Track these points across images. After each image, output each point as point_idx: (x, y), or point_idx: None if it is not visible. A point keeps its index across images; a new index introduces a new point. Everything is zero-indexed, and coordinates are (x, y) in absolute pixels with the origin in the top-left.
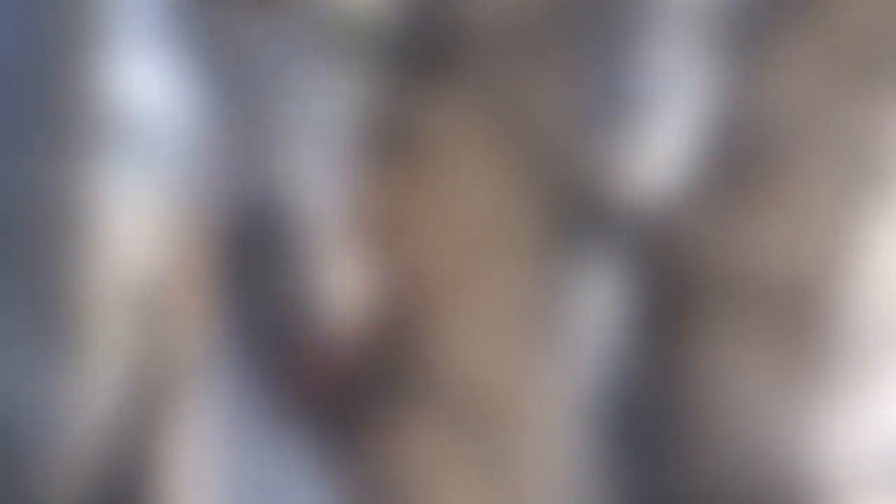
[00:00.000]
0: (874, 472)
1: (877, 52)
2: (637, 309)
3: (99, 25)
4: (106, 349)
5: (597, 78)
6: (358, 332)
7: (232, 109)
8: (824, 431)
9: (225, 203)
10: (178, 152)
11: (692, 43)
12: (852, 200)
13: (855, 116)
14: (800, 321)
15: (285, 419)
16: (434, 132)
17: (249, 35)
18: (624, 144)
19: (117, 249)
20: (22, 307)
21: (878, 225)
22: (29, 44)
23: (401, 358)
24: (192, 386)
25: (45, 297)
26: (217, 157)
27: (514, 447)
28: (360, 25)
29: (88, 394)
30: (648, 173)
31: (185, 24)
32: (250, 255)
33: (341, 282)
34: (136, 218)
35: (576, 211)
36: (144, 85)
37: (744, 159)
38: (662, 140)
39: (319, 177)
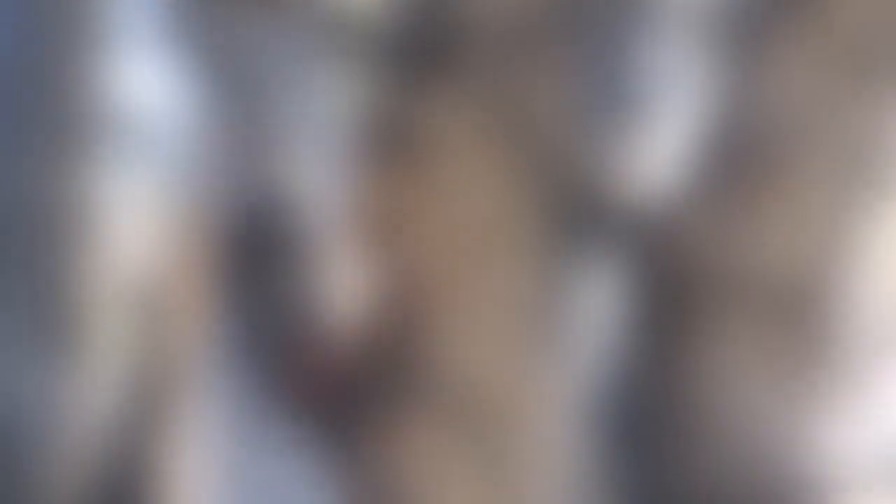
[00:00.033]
0: (874, 472)
1: (875, 51)
2: (637, 308)
3: (99, 25)
4: (106, 349)
5: (597, 78)
6: (358, 331)
7: (232, 109)
8: (824, 431)
9: (225, 203)
10: (178, 152)
11: (692, 43)
12: (852, 200)
13: (854, 116)
14: (799, 321)
15: (285, 419)
16: (434, 132)
17: (249, 35)
18: (624, 144)
19: (117, 249)
20: (22, 307)
21: (877, 224)
22: (29, 44)
23: (401, 358)
24: (192, 386)
25: (44, 297)
26: (217, 157)
27: (514, 447)
28: (360, 25)
29: (88, 394)
30: (648, 173)
31: (185, 24)
32: (250, 254)
33: (341, 281)
34: (136, 218)
35: (576, 210)
36: (144, 85)
37: (743, 159)
38: (662, 139)
39: (319, 176)
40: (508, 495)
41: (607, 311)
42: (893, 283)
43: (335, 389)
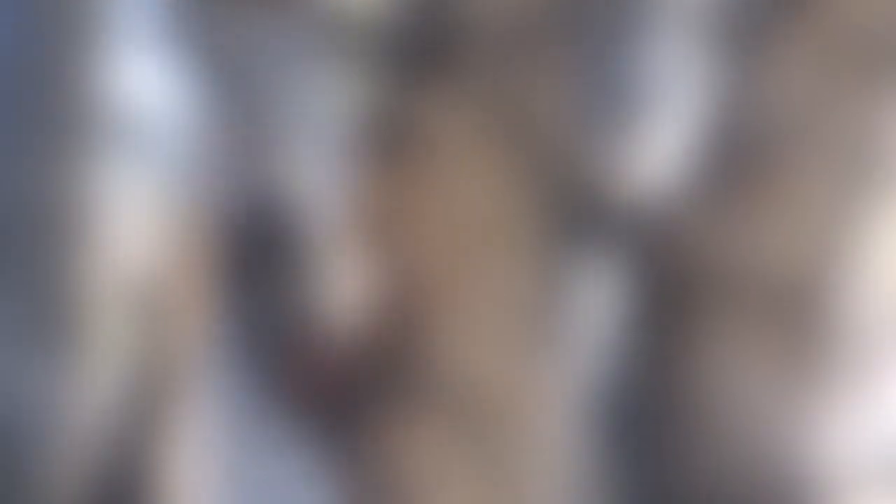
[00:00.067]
0: (874, 472)
1: (874, 49)
2: (637, 308)
3: (99, 25)
4: (106, 349)
5: (597, 78)
6: (358, 331)
7: (232, 109)
8: (824, 431)
9: (225, 203)
10: (178, 152)
11: (691, 42)
12: (851, 198)
13: (853, 114)
14: (799, 319)
15: (285, 419)
16: (434, 132)
17: (249, 35)
18: (623, 144)
19: (117, 249)
20: (22, 307)
21: (876, 222)
22: (29, 44)
23: (401, 357)
24: (192, 386)
25: (44, 296)
26: (217, 157)
27: (514, 447)
28: (360, 25)
29: (88, 394)
30: (648, 172)
31: (186, 24)
32: (250, 254)
33: (341, 281)
34: (136, 218)
35: (576, 210)
36: (144, 85)
37: (742, 157)
38: (662, 139)
39: (319, 176)
40: (508, 495)
41: (607, 311)
42: (893, 282)
43: (335, 389)
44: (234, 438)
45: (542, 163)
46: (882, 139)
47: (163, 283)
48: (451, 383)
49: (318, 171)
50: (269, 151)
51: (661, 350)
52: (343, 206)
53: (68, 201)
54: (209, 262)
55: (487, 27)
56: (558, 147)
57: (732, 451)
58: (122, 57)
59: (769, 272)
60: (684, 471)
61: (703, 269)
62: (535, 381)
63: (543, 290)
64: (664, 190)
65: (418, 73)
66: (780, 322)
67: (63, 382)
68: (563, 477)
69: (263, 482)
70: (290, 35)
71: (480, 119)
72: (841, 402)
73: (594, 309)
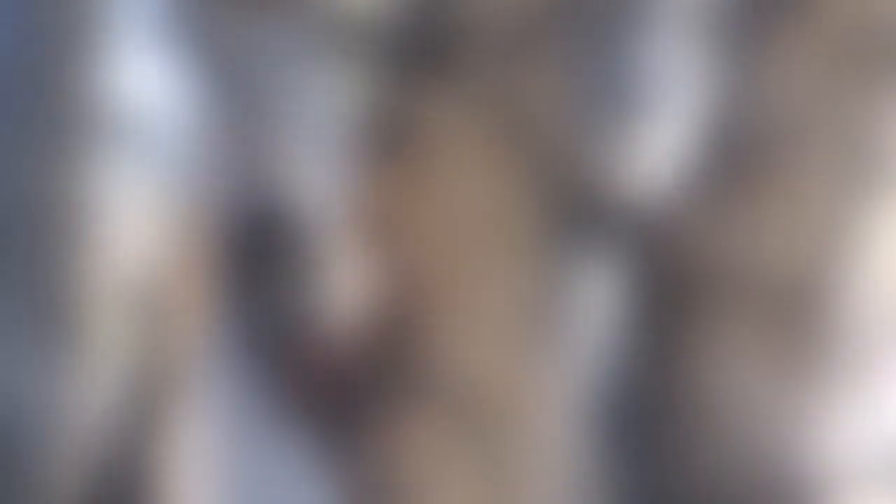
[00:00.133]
0: (874, 471)
1: (874, 49)
2: (636, 307)
3: (99, 25)
4: (106, 349)
5: (596, 76)
6: (358, 330)
7: (232, 109)
8: (824, 430)
9: (225, 203)
10: (178, 152)
11: (691, 40)
12: (851, 198)
13: (854, 114)
14: (799, 319)
15: (285, 419)
16: (434, 132)
17: (249, 35)
18: (623, 143)
19: (117, 249)
20: (21, 307)
21: (876, 222)
22: (29, 44)
23: (400, 357)
24: (192, 386)
25: (44, 296)
26: (217, 157)
27: (514, 446)
28: (360, 24)
29: (88, 393)
30: (648, 171)
31: (186, 24)
32: (250, 254)
33: (341, 281)
34: (136, 218)
35: (575, 208)
36: (144, 85)
37: (742, 157)
38: (661, 138)
39: (319, 176)
40: (508, 495)
41: (607, 310)
42: (893, 282)
43: (335, 389)
44: (234, 439)
45: (542, 163)
46: (882, 139)
47: (163, 283)
48: (451, 383)
49: (318, 171)
50: (269, 151)
51: (661, 350)
52: (343, 206)
53: (68, 201)
54: (209, 262)
55: (487, 27)
56: (558, 147)
57: (732, 451)
58: (122, 57)
59: (769, 272)
60: (684, 471)
61: (703, 268)
62: (535, 381)
63: (543, 290)
64: (664, 189)
65: (418, 73)
66: (780, 322)
67: (63, 382)
68: (563, 477)
69: (263, 482)
70: (290, 35)
71: (480, 119)
72: (841, 402)
73: (594, 309)
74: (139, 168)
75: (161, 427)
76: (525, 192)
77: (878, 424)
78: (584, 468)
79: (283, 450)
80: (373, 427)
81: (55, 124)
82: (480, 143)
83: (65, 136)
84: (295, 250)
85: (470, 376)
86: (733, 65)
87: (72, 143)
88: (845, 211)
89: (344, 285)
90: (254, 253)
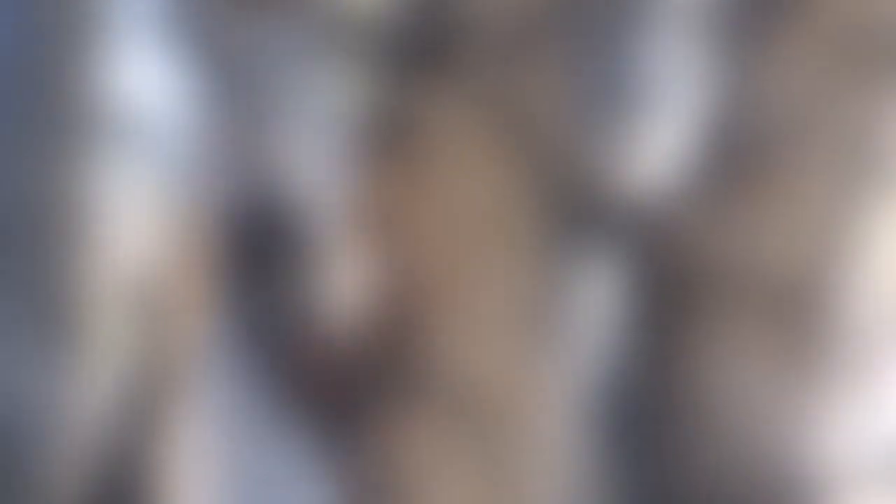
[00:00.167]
0: (874, 471)
1: (874, 49)
2: (636, 307)
3: (99, 25)
4: (106, 349)
5: (596, 76)
6: (358, 330)
7: (232, 109)
8: (824, 430)
9: (225, 203)
10: (178, 152)
11: (691, 40)
12: (851, 197)
13: (853, 113)
14: (799, 319)
15: (286, 418)
16: (434, 132)
17: (249, 35)
18: (623, 142)
19: (117, 249)
20: (21, 307)
21: (876, 222)
22: (29, 44)
23: (400, 357)
24: (192, 386)
25: (44, 296)
26: (217, 157)
27: (514, 446)
28: (360, 24)
29: (88, 393)
30: (648, 171)
31: (186, 24)
32: (250, 254)
33: (341, 281)
34: (136, 218)
35: (575, 207)
36: (144, 84)
37: (742, 157)
38: (661, 137)
39: (319, 176)
40: (508, 495)
41: (607, 310)
42: (893, 282)
43: (335, 389)
44: (234, 438)
45: (542, 162)
46: (882, 139)
47: (163, 283)
48: (451, 383)
49: (319, 170)
50: (270, 151)
51: (661, 350)
52: (343, 206)
53: (68, 201)
54: (209, 261)
55: (487, 26)
56: (558, 146)
57: (732, 451)
58: (122, 57)
59: (769, 272)
60: (684, 471)
61: (703, 268)
62: (535, 380)
63: (543, 290)
64: (664, 189)
65: (418, 72)
66: (780, 322)
67: (63, 382)
68: (563, 477)
69: (263, 481)
70: (291, 35)
71: (480, 118)
72: (841, 402)
73: (594, 308)
74: (139, 168)
75: (161, 427)
76: (525, 191)
77: (878, 424)
78: (584, 468)
79: (283, 449)
80: (373, 427)
81: (55, 124)
82: (480, 143)
83: (65, 136)
84: (295, 250)
85: (470, 376)
86: (733, 65)
87: (72, 143)
88: (845, 211)
89: (344, 285)
90: (254, 253)
